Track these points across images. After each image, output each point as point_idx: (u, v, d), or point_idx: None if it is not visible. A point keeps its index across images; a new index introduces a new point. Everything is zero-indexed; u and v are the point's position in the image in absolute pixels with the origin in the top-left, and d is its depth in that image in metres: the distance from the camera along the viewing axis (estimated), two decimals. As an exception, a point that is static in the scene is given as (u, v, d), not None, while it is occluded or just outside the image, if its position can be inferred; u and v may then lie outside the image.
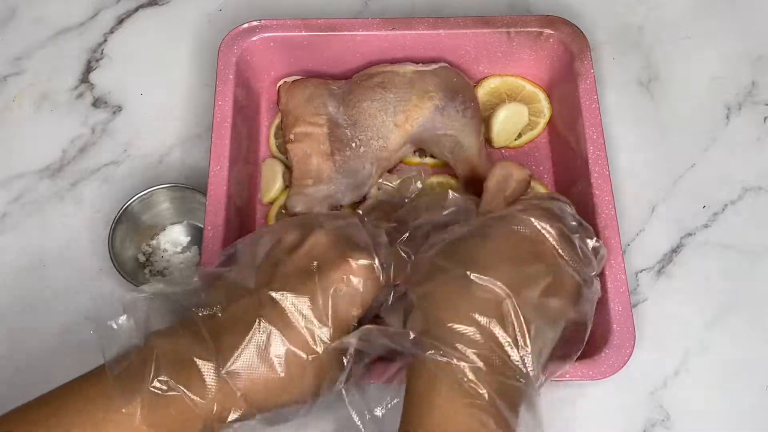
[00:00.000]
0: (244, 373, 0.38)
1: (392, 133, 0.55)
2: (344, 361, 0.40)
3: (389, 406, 0.41)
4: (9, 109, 0.64)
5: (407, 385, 0.40)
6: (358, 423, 0.41)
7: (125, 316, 0.39)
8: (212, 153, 0.54)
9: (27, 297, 0.56)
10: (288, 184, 0.59)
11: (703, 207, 0.59)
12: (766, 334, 0.55)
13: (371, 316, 0.44)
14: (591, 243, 0.46)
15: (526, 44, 0.60)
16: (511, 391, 0.38)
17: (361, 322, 0.42)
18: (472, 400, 0.37)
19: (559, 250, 0.43)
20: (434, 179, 0.59)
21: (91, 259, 0.57)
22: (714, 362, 0.54)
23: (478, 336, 0.38)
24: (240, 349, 0.38)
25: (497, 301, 0.39)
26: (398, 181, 0.56)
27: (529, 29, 0.59)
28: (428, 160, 0.60)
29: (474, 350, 0.38)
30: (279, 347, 0.38)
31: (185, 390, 0.37)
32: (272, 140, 0.61)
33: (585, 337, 0.45)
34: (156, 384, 0.36)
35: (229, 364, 0.37)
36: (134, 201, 0.56)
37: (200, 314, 0.39)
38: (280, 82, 0.61)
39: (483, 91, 0.62)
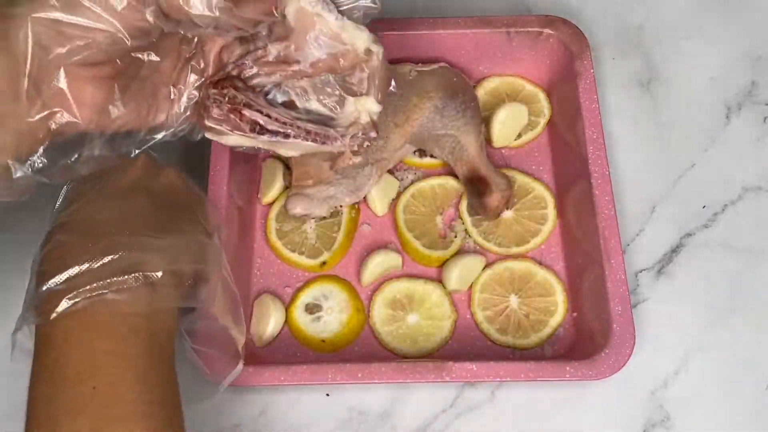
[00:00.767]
0: None
1: (392, 133, 0.55)
2: None
3: None
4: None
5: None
6: None
7: None
8: (212, 153, 0.54)
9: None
10: (288, 185, 0.59)
11: (703, 207, 0.59)
12: (767, 334, 0.55)
13: None
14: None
15: (526, 44, 0.60)
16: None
17: None
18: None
19: None
20: (434, 179, 0.59)
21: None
22: (714, 362, 0.54)
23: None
24: None
25: None
26: None
27: (529, 29, 0.59)
28: (428, 160, 0.60)
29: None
30: None
31: None
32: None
33: None
34: None
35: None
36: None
37: None
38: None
39: (483, 91, 0.62)
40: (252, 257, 0.57)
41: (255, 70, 0.42)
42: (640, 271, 0.57)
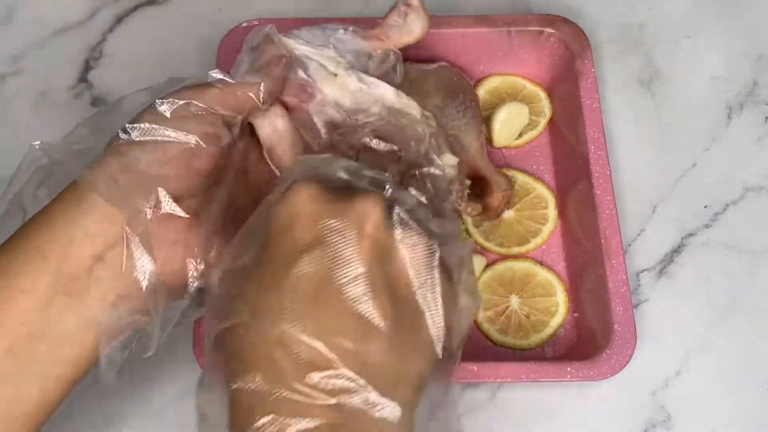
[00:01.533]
0: None
1: (392, 133, 0.55)
2: None
3: None
4: (7, 108, 0.63)
5: None
6: None
7: None
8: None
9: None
10: None
11: (705, 207, 0.59)
12: (768, 334, 0.55)
13: None
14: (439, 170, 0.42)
15: (526, 43, 0.60)
16: None
17: None
18: None
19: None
20: (434, 179, 0.59)
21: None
22: (715, 362, 0.54)
23: None
24: None
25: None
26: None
27: (530, 28, 0.59)
28: (428, 159, 0.60)
29: None
30: None
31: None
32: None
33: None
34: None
35: None
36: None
37: None
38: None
39: (483, 91, 0.62)
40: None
41: None
42: (642, 272, 0.57)
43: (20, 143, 0.62)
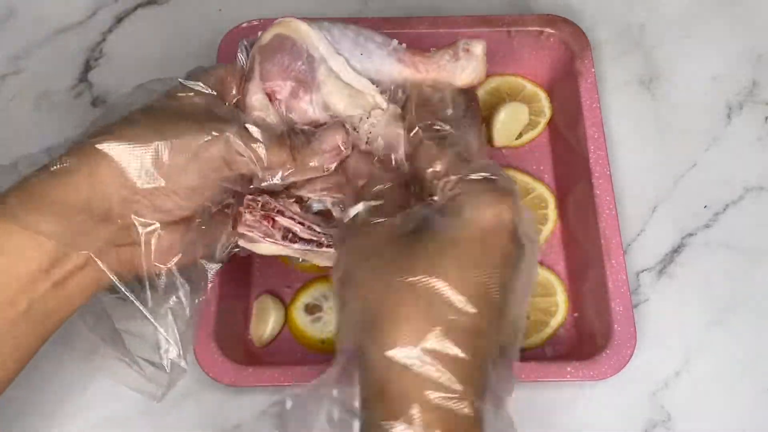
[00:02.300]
0: None
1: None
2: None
3: None
4: (7, 108, 0.63)
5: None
6: None
7: None
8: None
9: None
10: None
11: (705, 207, 0.59)
12: (768, 334, 0.55)
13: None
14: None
15: (526, 43, 0.60)
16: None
17: None
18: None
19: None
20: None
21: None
22: (716, 363, 0.54)
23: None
24: None
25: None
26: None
27: (530, 28, 0.59)
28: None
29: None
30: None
31: None
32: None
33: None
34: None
35: None
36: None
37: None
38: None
39: (483, 91, 0.62)
40: (252, 257, 0.57)
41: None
42: (642, 271, 0.57)
43: (20, 143, 0.62)
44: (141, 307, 0.39)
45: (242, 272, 0.55)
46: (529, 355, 0.54)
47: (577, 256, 0.55)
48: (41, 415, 0.52)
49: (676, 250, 0.57)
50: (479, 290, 0.33)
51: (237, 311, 0.54)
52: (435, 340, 0.32)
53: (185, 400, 0.52)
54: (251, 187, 0.42)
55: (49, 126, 0.63)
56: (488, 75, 0.62)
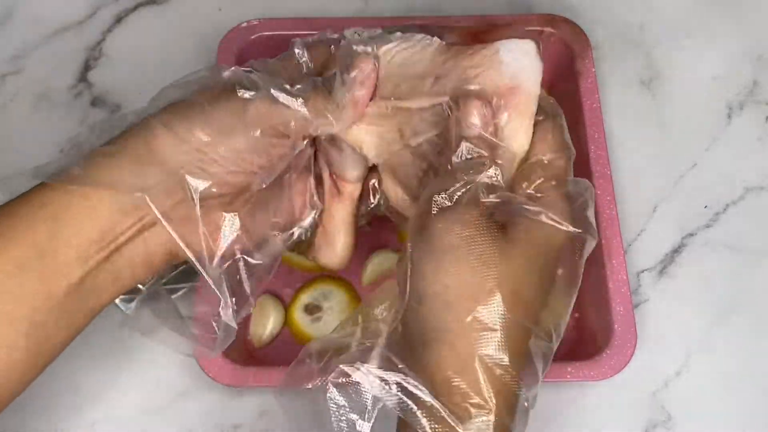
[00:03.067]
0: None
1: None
2: None
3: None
4: (6, 108, 0.63)
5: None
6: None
7: None
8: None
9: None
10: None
11: (705, 207, 0.59)
12: (768, 334, 0.55)
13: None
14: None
15: (526, 43, 0.60)
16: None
17: None
18: None
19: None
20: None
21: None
22: (716, 363, 0.54)
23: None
24: None
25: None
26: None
27: (530, 28, 0.59)
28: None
29: None
30: None
31: None
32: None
33: None
34: None
35: None
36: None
37: None
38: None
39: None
40: (252, 257, 0.57)
41: None
42: (642, 272, 0.57)
43: (20, 143, 0.62)
44: (199, 268, 0.39)
45: (242, 272, 0.55)
46: (529, 355, 0.53)
47: (578, 256, 0.55)
48: (39, 414, 0.52)
49: (677, 250, 0.57)
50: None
51: (237, 311, 0.54)
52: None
53: (185, 400, 0.52)
54: (304, 141, 0.42)
55: (49, 126, 0.63)
56: (488, 75, 0.62)
